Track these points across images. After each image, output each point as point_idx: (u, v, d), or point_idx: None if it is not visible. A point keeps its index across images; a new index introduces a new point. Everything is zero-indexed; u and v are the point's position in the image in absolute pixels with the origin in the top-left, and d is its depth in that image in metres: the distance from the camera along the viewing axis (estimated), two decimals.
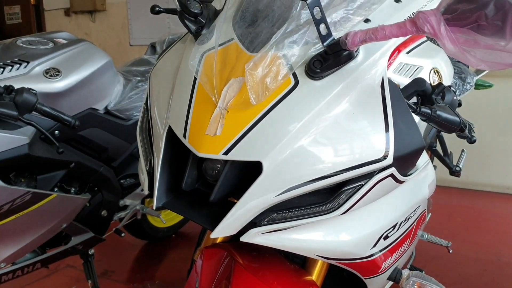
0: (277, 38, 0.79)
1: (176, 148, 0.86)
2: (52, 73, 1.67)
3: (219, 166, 0.82)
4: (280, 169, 0.76)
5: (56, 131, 1.72)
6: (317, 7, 0.76)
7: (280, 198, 0.78)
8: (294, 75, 0.79)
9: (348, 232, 0.87)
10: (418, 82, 1.04)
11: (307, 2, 0.75)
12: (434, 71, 1.30)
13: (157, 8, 1.09)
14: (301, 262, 1.08)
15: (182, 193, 0.87)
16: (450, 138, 1.58)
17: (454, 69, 1.84)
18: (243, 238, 0.80)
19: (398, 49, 1.26)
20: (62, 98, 1.72)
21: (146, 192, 0.89)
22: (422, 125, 1.07)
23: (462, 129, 1.20)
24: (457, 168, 2.03)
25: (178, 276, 2.37)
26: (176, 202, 0.87)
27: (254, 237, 0.80)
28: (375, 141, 0.79)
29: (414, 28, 0.68)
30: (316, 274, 1.05)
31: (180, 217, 2.83)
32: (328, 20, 0.78)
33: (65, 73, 1.71)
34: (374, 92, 0.80)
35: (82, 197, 1.87)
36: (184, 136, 0.80)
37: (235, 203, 0.79)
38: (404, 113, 0.84)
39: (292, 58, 0.79)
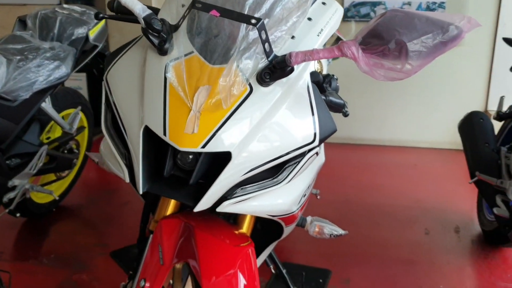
0: (236, 55, 1.02)
1: (149, 142, 1.05)
2: None
3: (190, 156, 1.05)
4: (244, 156, 1.02)
5: None
6: (263, 31, 1.00)
7: (245, 177, 1.04)
8: (249, 83, 1.04)
9: (286, 196, 1.17)
10: (314, 75, 1.35)
11: (257, 27, 0.99)
12: (317, 61, 1.63)
13: (100, 15, 1.21)
14: (233, 219, 1.36)
15: (158, 179, 1.08)
16: None
17: None
18: (219, 209, 1.05)
19: None
20: None
21: (127, 180, 1.07)
22: None
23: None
24: None
25: (71, 248, 2.44)
26: (157, 186, 1.07)
27: (227, 207, 1.05)
28: (307, 130, 1.08)
29: (340, 53, 0.97)
30: (246, 228, 1.33)
31: (60, 191, 2.85)
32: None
33: None
34: (303, 95, 1.09)
35: None
36: (165, 134, 1.00)
37: (207, 183, 1.02)
38: (322, 106, 1.14)
39: (248, 71, 1.03)
